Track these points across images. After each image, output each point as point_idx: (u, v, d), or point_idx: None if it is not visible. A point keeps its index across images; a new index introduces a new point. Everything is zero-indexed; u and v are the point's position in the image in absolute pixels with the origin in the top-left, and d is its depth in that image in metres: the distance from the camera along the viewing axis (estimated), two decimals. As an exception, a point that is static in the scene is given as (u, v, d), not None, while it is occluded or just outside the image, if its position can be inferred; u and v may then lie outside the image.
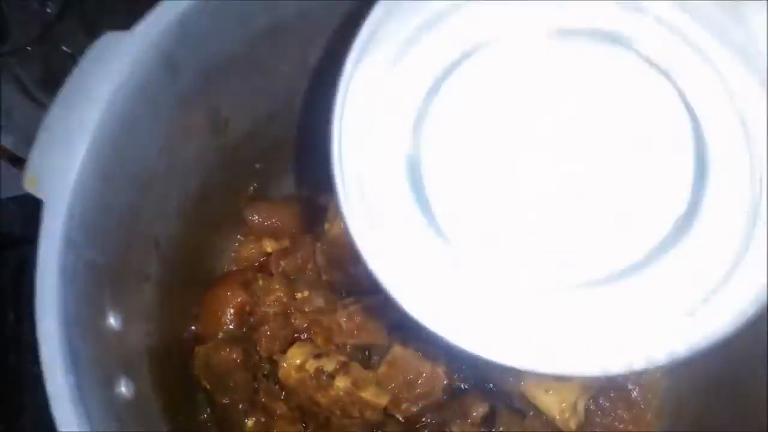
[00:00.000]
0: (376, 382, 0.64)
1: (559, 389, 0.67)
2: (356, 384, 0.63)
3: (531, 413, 0.67)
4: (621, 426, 0.71)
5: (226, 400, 0.67)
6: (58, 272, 0.42)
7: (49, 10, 0.72)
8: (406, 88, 0.37)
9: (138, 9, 0.48)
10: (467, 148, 0.37)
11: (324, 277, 0.70)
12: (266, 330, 0.68)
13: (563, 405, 0.67)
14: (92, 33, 0.53)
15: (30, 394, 0.75)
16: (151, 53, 0.48)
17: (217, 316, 0.69)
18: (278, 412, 0.67)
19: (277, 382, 0.66)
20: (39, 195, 0.43)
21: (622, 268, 0.35)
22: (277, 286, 0.70)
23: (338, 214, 0.35)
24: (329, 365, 0.64)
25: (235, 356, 0.66)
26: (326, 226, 0.69)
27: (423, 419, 0.65)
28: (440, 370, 0.64)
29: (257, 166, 0.73)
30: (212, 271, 0.74)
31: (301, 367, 0.64)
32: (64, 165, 0.44)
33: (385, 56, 0.36)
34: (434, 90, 0.37)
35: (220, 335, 0.68)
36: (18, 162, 0.74)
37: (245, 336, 0.69)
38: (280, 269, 0.72)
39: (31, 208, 0.44)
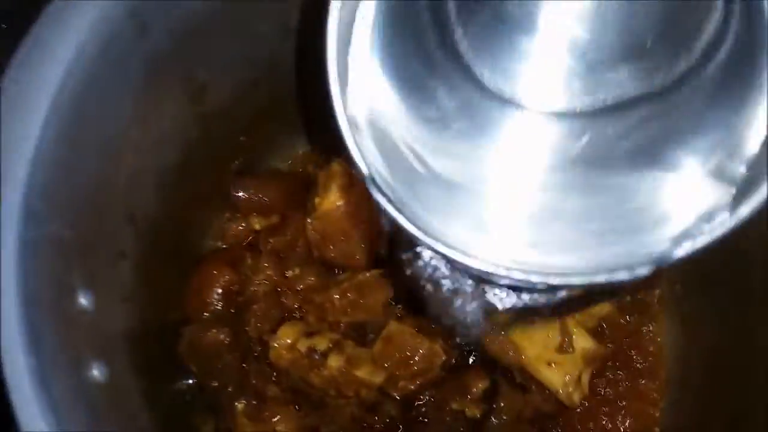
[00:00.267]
0: (371, 360, 0.62)
1: (562, 362, 0.66)
2: (350, 362, 0.62)
3: (533, 387, 0.65)
4: (625, 399, 0.70)
5: (214, 384, 0.66)
6: (17, 246, 0.39)
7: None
8: None
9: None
10: None
11: (315, 254, 0.68)
12: (256, 310, 0.67)
13: (567, 378, 0.66)
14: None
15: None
16: (116, 10, 0.45)
17: (203, 296, 0.66)
18: (270, 394, 0.65)
19: (269, 363, 0.65)
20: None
21: None
22: (267, 264, 0.69)
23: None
24: (322, 344, 0.63)
25: (223, 337, 0.65)
26: (316, 200, 0.67)
27: (421, 397, 0.64)
28: (438, 347, 0.62)
29: (242, 138, 0.70)
30: (197, 250, 0.72)
31: (292, 347, 0.63)
32: (22, 130, 0.41)
33: None
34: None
35: (206, 315, 0.66)
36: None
37: (233, 317, 0.67)
38: (269, 247, 0.70)
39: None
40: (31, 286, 0.39)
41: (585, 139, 0.35)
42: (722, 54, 0.32)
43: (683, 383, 0.69)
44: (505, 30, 0.35)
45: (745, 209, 0.29)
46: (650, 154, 0.33)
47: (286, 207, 0.72)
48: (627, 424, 0.69)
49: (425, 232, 0.31)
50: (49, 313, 0.41)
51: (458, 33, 0.35)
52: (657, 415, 0.70)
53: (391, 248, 0.56)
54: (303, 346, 0.62)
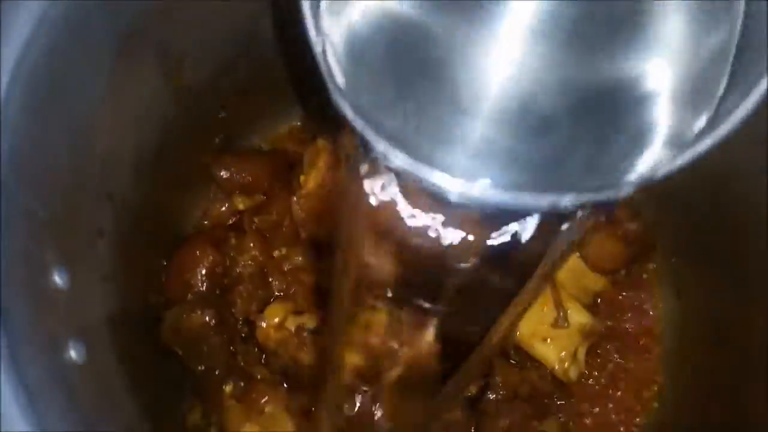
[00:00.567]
0: (363, 337, 0.60)
1: (558, 338, 0.65)
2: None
3: (528, 364, 0.65)
4: (623, 374, 0.70)
5: (201, 367, 0.64)
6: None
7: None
8: None
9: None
10: None
11: (302, 233, 0.67)
12: (241, 290, 0.65)
13: (562, 354, 0.65)
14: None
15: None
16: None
17: (186, 278, 0.65)
18: (258, 376, 0.64)
19: (256, 344, 0.63)
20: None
21: None
22: (252, 245, 0.67)
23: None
24: (311, 322, 0.61)
25: (208, 319, 0.63)
26: (302, 178, 0.65)
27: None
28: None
29: (222, 114, 0.68)
30: (180, 231, 0.70)
31: (280, 326, 0.62)
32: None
33: None
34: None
35: (190, 297, 0.64)
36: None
37: (218, 298, 0.66)
38: (254, 227, 0.69)
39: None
40: (2, 262, 0.37)
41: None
42: None
43: (681, 357, 0.69)
44: None
45: (724, 128, 0.28)
46: (633, 57, 0.32)
47: (269, 186, 0.71)
48: (625, 399, 0.68)
49: (393, 147, 0.29)
50: (21, 291, 0.39)
51: None
52: (655, 389, 0.69)
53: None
54: (292, 324, 0.60)
